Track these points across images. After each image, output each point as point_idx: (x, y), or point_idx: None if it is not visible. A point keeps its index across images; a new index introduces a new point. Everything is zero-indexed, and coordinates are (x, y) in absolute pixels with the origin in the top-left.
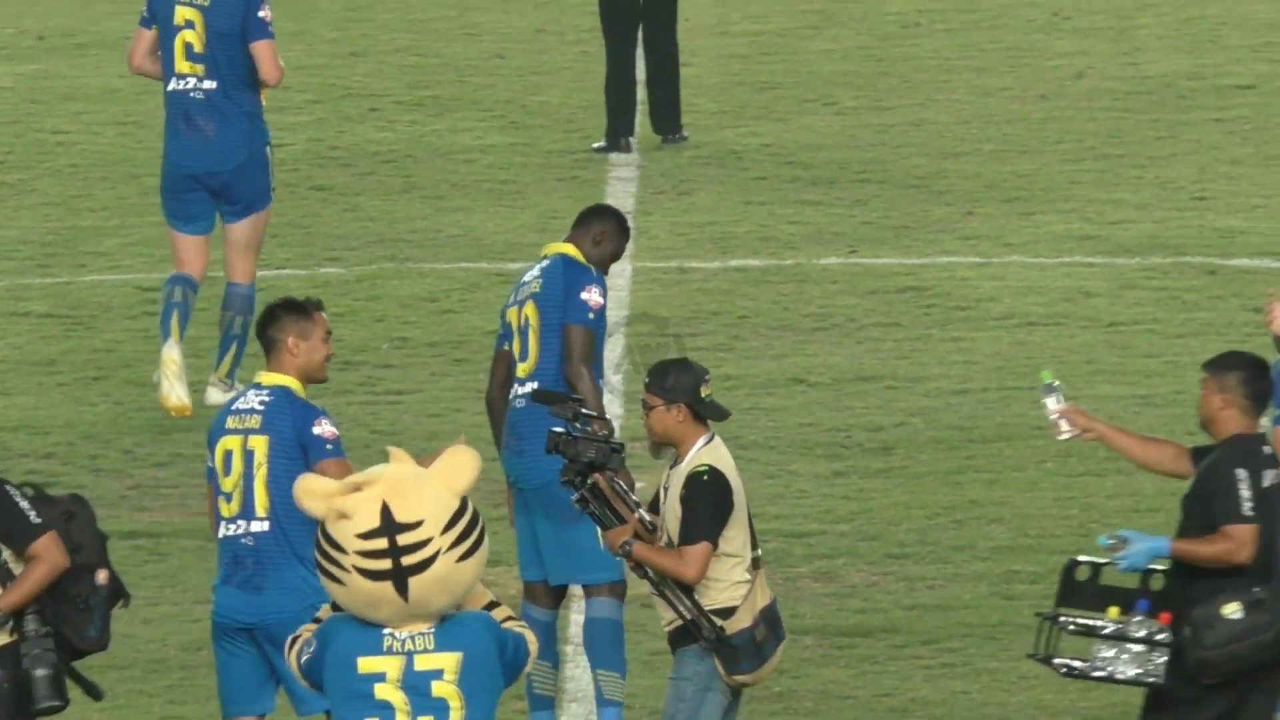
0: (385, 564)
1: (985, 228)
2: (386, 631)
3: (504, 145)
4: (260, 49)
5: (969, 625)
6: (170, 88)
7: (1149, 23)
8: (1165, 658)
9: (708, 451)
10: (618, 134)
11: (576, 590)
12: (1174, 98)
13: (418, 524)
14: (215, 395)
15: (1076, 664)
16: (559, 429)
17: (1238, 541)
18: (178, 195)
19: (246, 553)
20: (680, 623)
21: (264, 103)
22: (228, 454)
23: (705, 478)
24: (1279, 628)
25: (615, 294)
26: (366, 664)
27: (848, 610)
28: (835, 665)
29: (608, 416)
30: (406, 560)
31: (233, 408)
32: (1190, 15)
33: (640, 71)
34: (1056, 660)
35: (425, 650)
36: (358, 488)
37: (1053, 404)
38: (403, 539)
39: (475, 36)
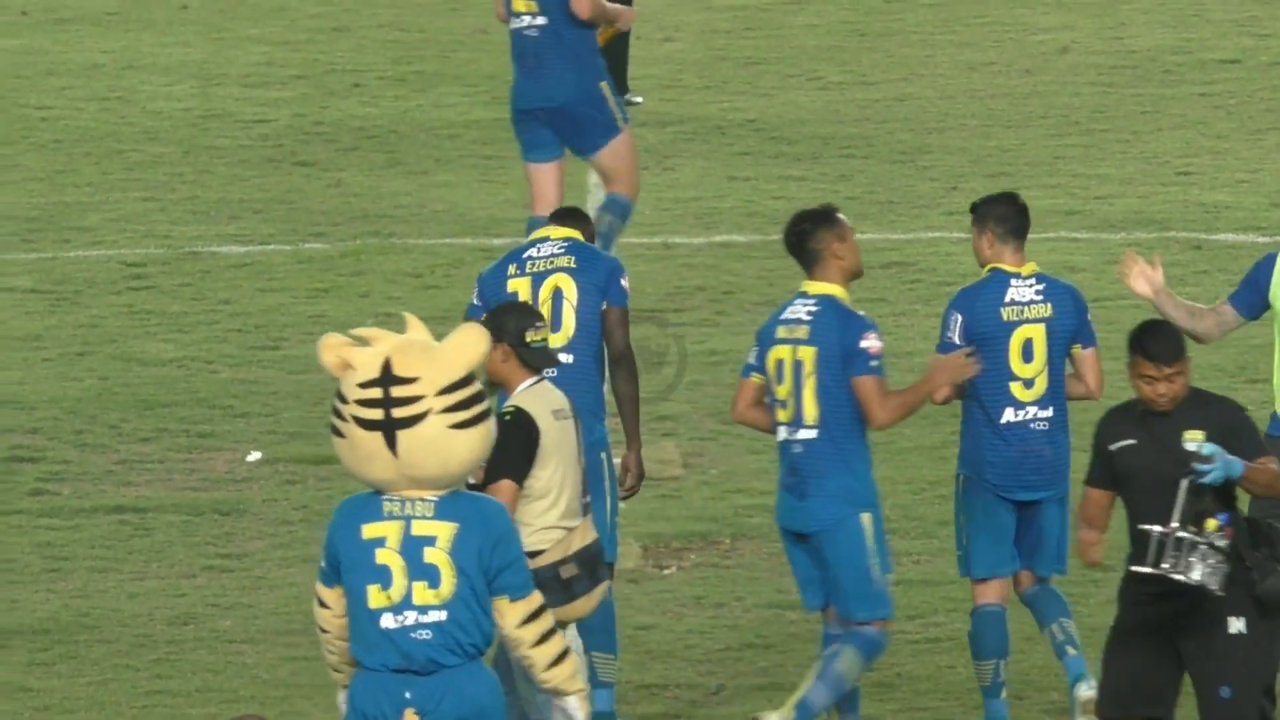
0: (377, 414)
1: (970, 203)
2: (387, 498)
3: (488, 120)
4: None
5: (954, 600)
6: (511, 26)
7: None
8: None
9: (527, 394)
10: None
11: None
12: (1159, 72)
13: (412, 380)
14: None
15: (1169, 568)
16: None
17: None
18: (522, 129)
19: (798, 460)
20: None
21: (599, 41)
22: (779, 363)
23: (507, 419)
24: None
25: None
26: (369, 530)
27: None
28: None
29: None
30: (397, 413)
31: (781, 317)
32: None
33: None
34: (1163, 565)
35: (424, 517)
36: (368, 344)
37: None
38: (396, 391)
39: (459, 11)
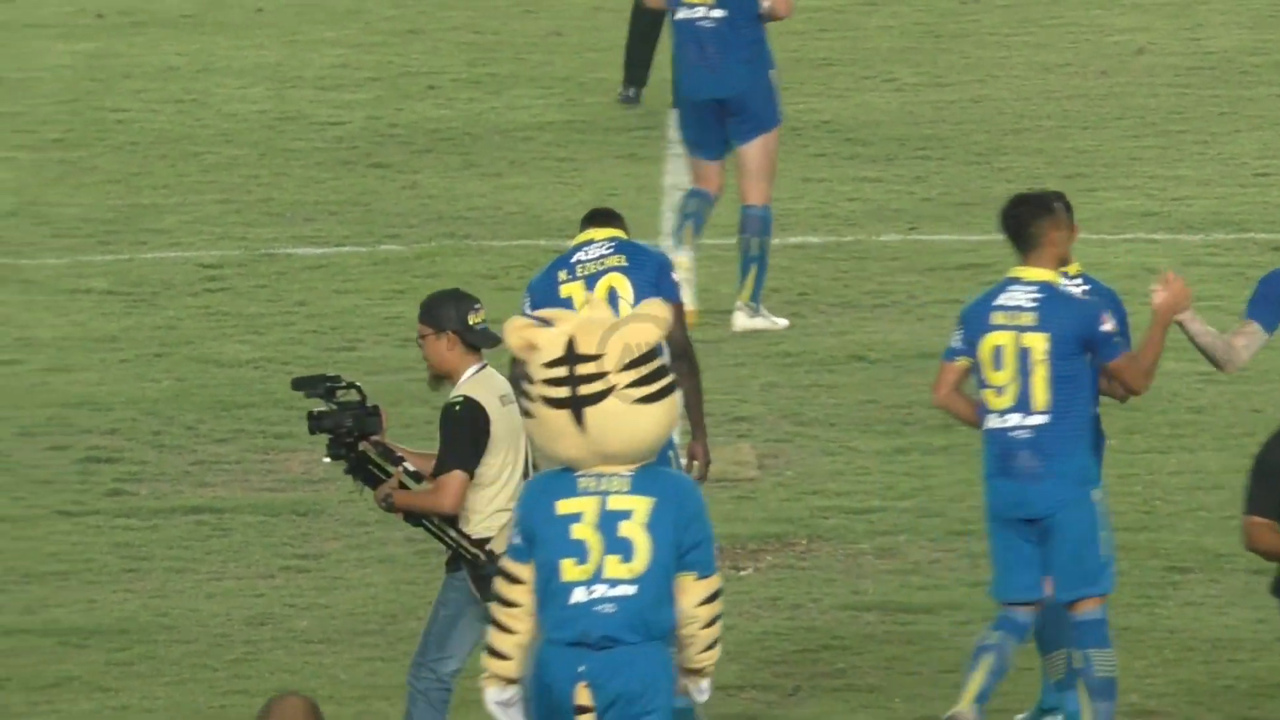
0: (564, 392)
1: None
2: (582, 474)
3: (562, 122)
4: None
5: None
6: (678, 16)
7: None
8: None
9: (472, 382)
10: (631, 81)
11: None
12: (1236, 73)
13: (596, 357)
14: (741, 320)
15: None
16: (318, 409)
17: None
18: (689, 123)
19: (1019, 445)
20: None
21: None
22: (997, 349)
23: (458, 409)
24: None
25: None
26: (564, 505)
27: (910, 586)
28: (898, 641)
29: (358, 384)
30: (583, 390)
31: (996, 302)
32: None
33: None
34: None
35: (620, 492)
36: (551, 324)
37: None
38: (580, 369)
39: (533, 13)
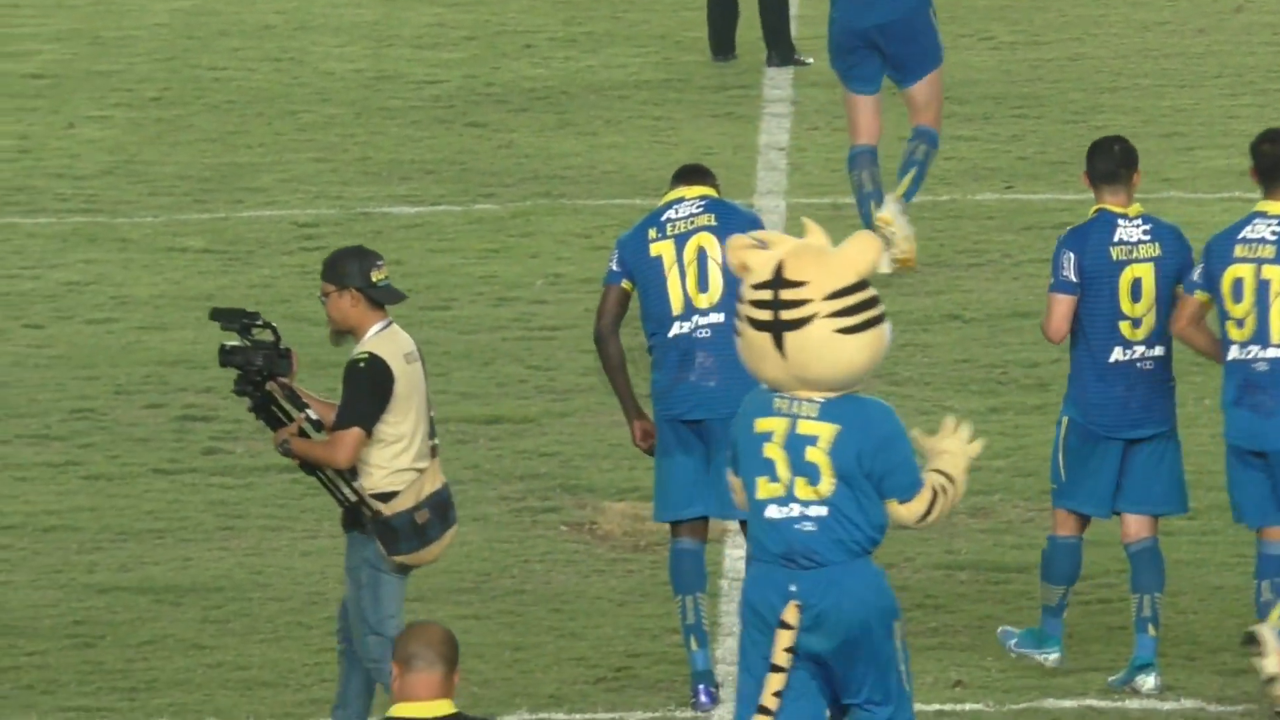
0: (767, 315)
1: (1143, 163)
2: (779, 396)
3: (657, 81)
4: None
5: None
6: None
7: None
8: None
9: (377, 339)
10: (717, 51)
11: (731, 525)
12: None
13: (802, 284)
14: (892, 209)
15: None
16: (230, 344)
17: None
18: (846, 54)
19: (1262, 378)
20: (347, 506)
21: None
22: (1237, 281)
23: (361, 365)
24: None
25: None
26: (761, 424)
27: (1003, 546)
28: (991, 600)
29: (273, 324)
30: (784, 315)
31: (1240, 235)
32: None
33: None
34: None
35: (808, 417)
36: (767, 247)
37: None
38: (785, 294)
39: None
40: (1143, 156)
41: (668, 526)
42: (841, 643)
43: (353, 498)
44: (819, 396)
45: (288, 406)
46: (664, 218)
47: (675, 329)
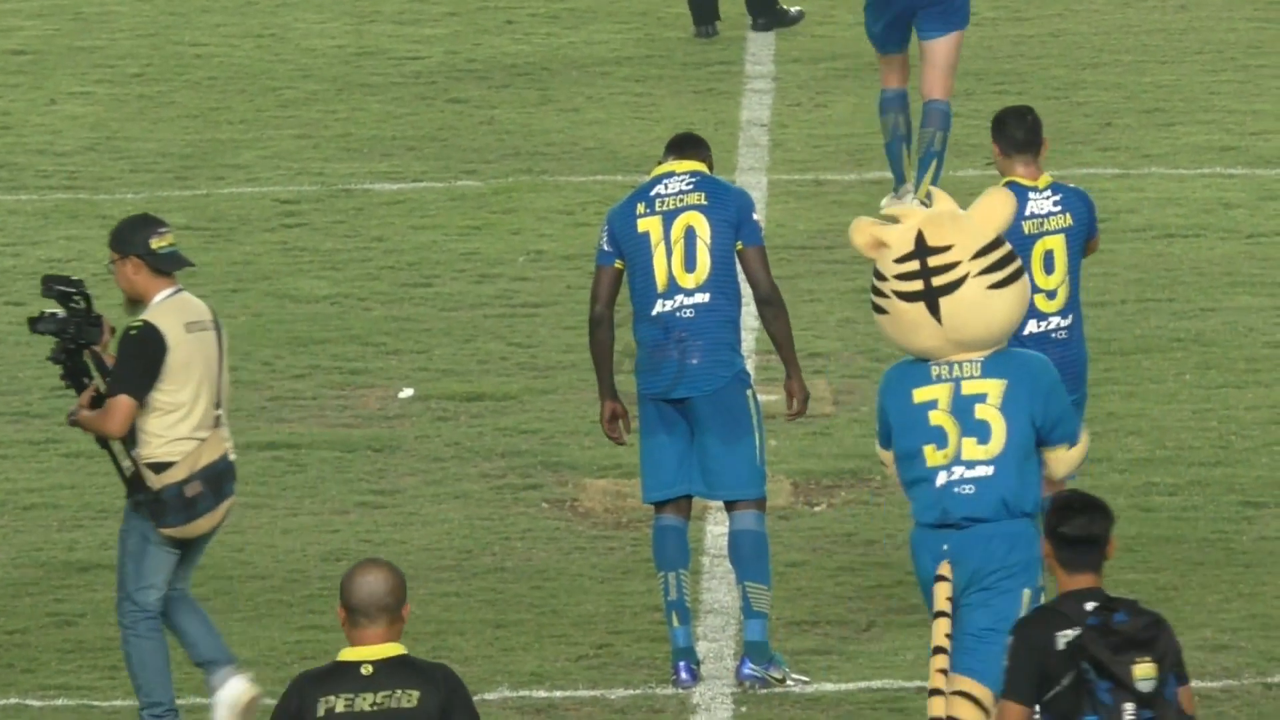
0: (918, 285)
1: (1124, 139)
2: (934, 363)
3: (639, 57)
4: None
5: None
6: None
7: None
8: None
9: (162, 307)
10: (700, 20)
11: (712, 504)
12: None
13: (947, 248)
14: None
15: None
16: (46, 311)
17: None
18: (879, 14)
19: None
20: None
21: None
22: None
23: (133, 333)
24: None
25: None
26: (921, 394)
27: None
28: None
29: (88, 293)
30: (936, 281)
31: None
32: None
33: None
34: None
35: (972, 377)
36: (898, 222)
37: None
38: (933, 261)
39: None
40: (1124, 132)
41: (650, 503)
42: (978, 590)
43: (128, 469)
44: (976, 356)
45: (96, 376)
46: (653, 192)
47: (658, 306)
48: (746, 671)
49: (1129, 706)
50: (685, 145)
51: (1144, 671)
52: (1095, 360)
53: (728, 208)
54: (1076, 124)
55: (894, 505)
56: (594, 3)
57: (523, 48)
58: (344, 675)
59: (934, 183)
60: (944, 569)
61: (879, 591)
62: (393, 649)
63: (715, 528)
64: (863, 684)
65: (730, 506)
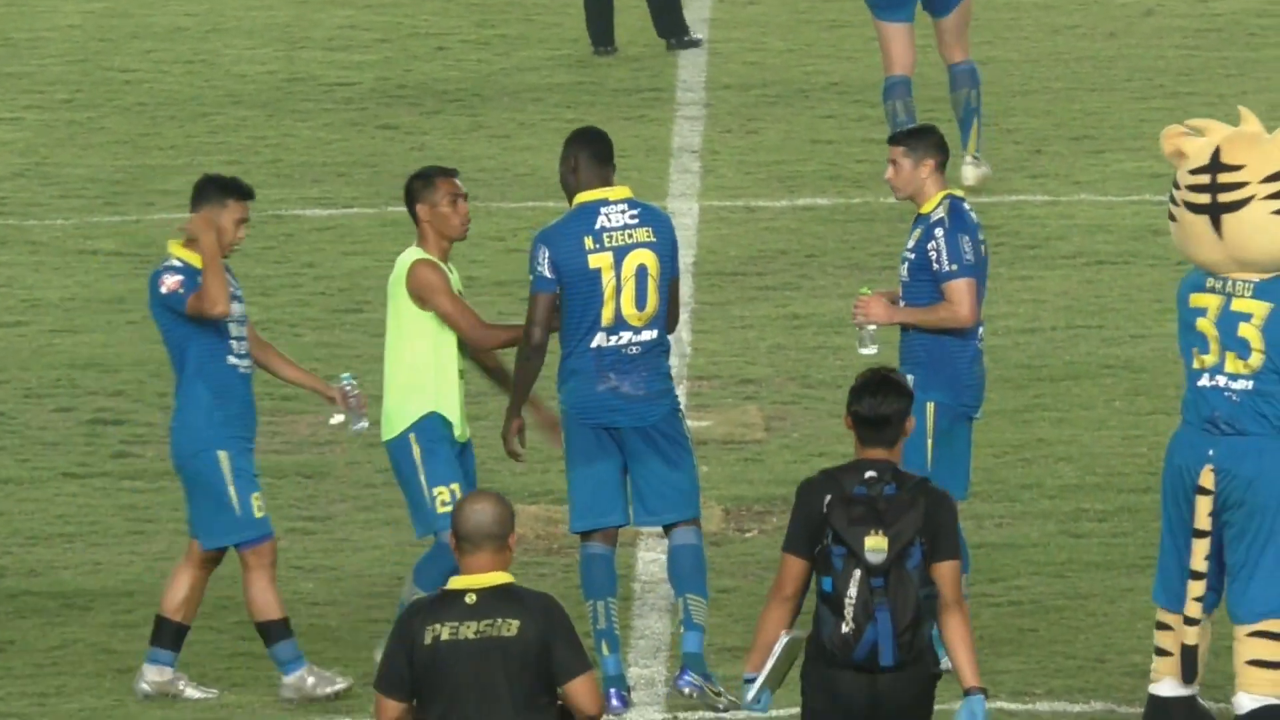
0: (1204, 198)
1: (1054, 166)
2: (1211, 276)
3: (571, 84)
4: None
5: (1036, 564)
6: None
7: None
8: None
9: None
10: (597, 40)
11: (645, 530)
12: (1244, 35)
13: (1239, 168)
14: (969, 173)
15: None
16: None
17: None
18: None
19: None
20: None
21: None
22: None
23: None
24: None
25: (683, 234)
26: (1195, 299)
27: None
28: None
29: None
30: (1222, 198)
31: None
32: None
33: None
34: None
35: (1243, 295)
36: (1202, 134)
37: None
38: (1223, 177)
39: None
40: (1054, 159)
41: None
42: (1245, 509)
43: None
44: (1255, 277)
45: None
46: (598, 225)
47: (599, 339)
48: (686, 680)
49: (857, 574)
50: (606, 158)
51: (874, 544)
52: (1025, 387)
53: (666, 241)
54: (1006, 151)
55: None
56: (525, 29)
57: (454, 74)
58: (450, 604)
59: (979, 139)
60: (1207, 479)
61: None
62: (498, 577)
63: (646, 554)
64: (794, 710)
65: (670, 525)
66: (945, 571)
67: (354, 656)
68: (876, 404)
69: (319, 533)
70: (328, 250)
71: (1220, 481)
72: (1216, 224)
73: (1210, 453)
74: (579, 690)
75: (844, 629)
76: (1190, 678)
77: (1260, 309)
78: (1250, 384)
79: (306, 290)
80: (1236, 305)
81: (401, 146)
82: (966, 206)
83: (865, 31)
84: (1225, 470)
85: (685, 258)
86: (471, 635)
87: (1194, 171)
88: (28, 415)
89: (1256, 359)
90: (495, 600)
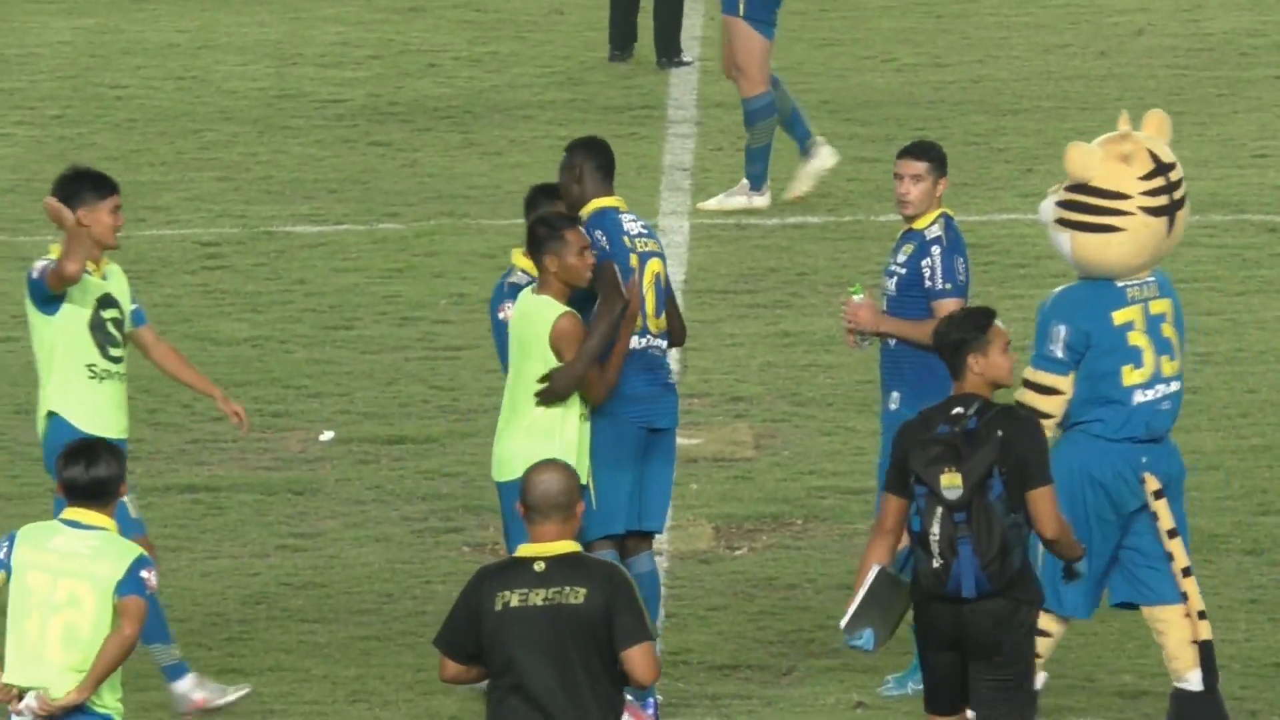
0: (1163, 200)
1: (1045, 185)
2: (1125, 284)
3: (562, 101)
4: None
5: None
6: None
7: None
8: None
9: None
10: (616, 44)
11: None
12: (1235, 55)
13: (1174, 165)
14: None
15: None
16: None
17: None
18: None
19: None
20: None
21: None
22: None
23: None
24: None
25: (673, 251)
26: (1120, 315)
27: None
28: None
29: None
30: (1176, 195)
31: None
32: None
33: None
34: None
35: (1153, 297)
36: (1122, 140)
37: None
38: (1172, 176)
39: None
40: (1045, 178)
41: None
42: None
43: None
44: (1150, 276)
45: None
46: (625, 228)
47: (634, 342)
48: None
49: (939, 511)
50: (610, 170)
51: (949, 481)
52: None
53: (664, 256)
54: (997, 170)
55: (815, 550)
56: (517, 46)
57: (445, 91)
58: (519, 571)
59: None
60: (1154, 483)
61: (800, 636)
62: (566, 546)
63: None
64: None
65: (636, 542)
66: (1034, 500)
67: (342, 674)
68: (947, 331)
69: (309, 550)
70: (319, 267)
71: (1151, 483)
72: (1172, 223)
73: (1144, 460)
74: (636, 657)
75: (934, 564)
76: (1213, 679)
77: (1168, 306)
78: (1177, 384)
79: (297, 307)
80: (1154, 308)
81: (393, 163)
82: (957, 225)
83: (857, 50)
84: (1160, 473)
85: (676, 275)
86: (540, 602)
87: (1145, 177)
88: (17, 431)
89: (1179, 357)
90: (563, 568)
